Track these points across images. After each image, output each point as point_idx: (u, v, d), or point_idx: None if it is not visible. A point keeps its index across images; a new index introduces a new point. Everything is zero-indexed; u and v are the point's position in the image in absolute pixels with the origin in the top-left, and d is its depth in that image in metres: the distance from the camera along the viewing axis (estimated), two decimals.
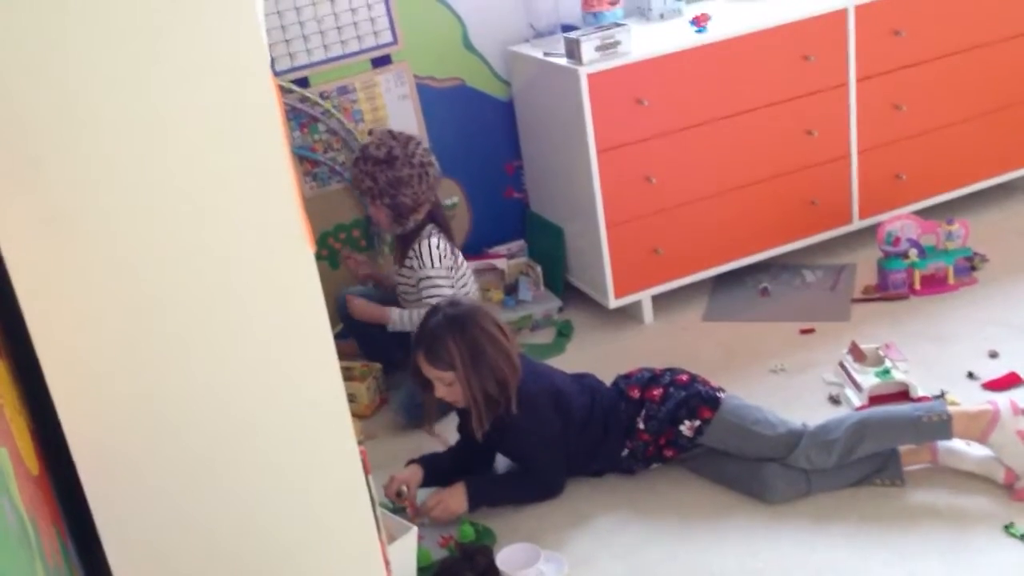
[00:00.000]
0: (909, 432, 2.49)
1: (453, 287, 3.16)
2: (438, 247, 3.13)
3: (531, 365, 2.73)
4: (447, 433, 2.95)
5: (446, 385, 2.56)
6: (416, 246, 3.14)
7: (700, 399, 2.61)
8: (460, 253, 3.27)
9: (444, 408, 2.85)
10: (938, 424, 2.47)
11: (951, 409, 2.49)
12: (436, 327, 2.54)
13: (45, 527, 1.35)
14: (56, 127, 1.30)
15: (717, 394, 2.64)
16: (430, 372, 2.57)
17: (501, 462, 2.84)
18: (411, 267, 3.17)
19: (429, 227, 3.17)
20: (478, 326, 2.53)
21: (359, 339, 3.40)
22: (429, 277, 3.11)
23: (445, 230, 3.23)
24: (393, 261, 3.35)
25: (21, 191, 1.31)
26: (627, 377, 2.75)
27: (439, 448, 2.87)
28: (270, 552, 1.55)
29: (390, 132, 3.20)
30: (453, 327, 2.52)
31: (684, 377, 2.68)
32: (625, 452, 2.68)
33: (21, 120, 1.29)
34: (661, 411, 2.62)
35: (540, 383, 2.65)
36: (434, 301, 3.07)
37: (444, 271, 3.14)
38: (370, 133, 3.26)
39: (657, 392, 2.65)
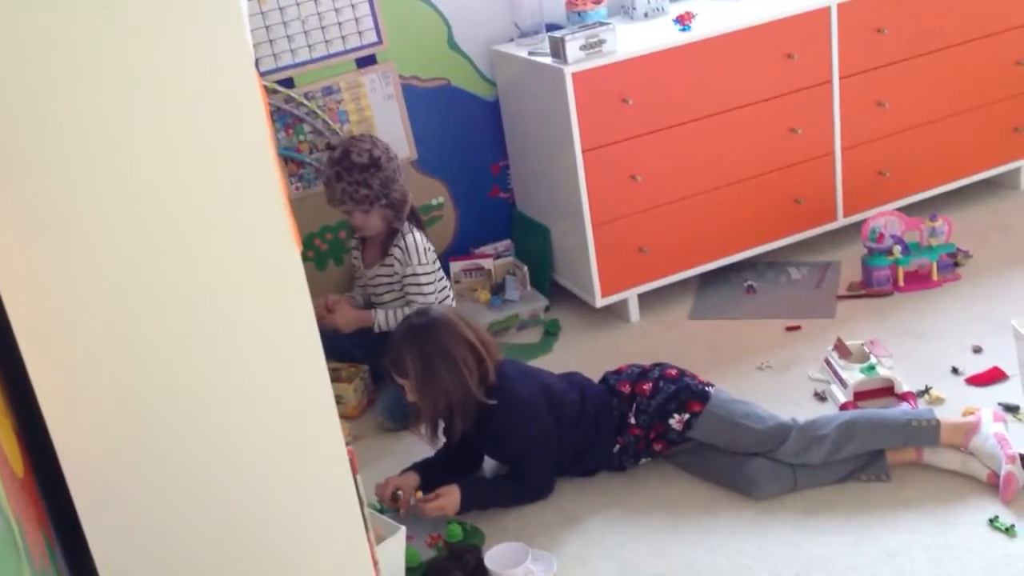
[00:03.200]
0: (898, 435, 2.52)
1: (434, 284, 3.16)
2: (423, 241, 3.15)
3: (519, 367, 2.74)
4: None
5: (411, 392, 2.59)
6: (402, 243, 3.14)
7: (689, 392, 2.62)
8: None
9: None
10: (927, 429, 2.50)
11: (940, 417, 2.52)
12: (398, 335, 2.60)
13: (31, 529, 1.35)
14: (41, 129, 1.30)
15: (706, 388, 2.65)
16: (395, 378, 2.61)
17: (490, 461, 2.84)
18: (392, 265, 3.17)
19: (407, 224, 3.18)
20: (435, 341, 2.55)
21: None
22: (415, 274, 3.12)
23: (419, 222, 3.25)
24: (363, 264, 3.32)
25: (4, 193, 1.30)
26: (616, 373, 2.76)
27: (428, 446, 2.87)
28: (258, 552, 1.55)
29: (353, 137, 3.18)
30: (411, 338, 2.56)
31: (673, 371, 2.69)
32: (616, 448, 2.68)
33: (5, 122, 1.28)
34: (651, 405, 2.63)
35: (530, 385, 2.65)
36: (419, 300, 3.08)
37: (431, 267, 3.15)
38: (329, 146, 3.22)
39: (647, 386, 2.66)
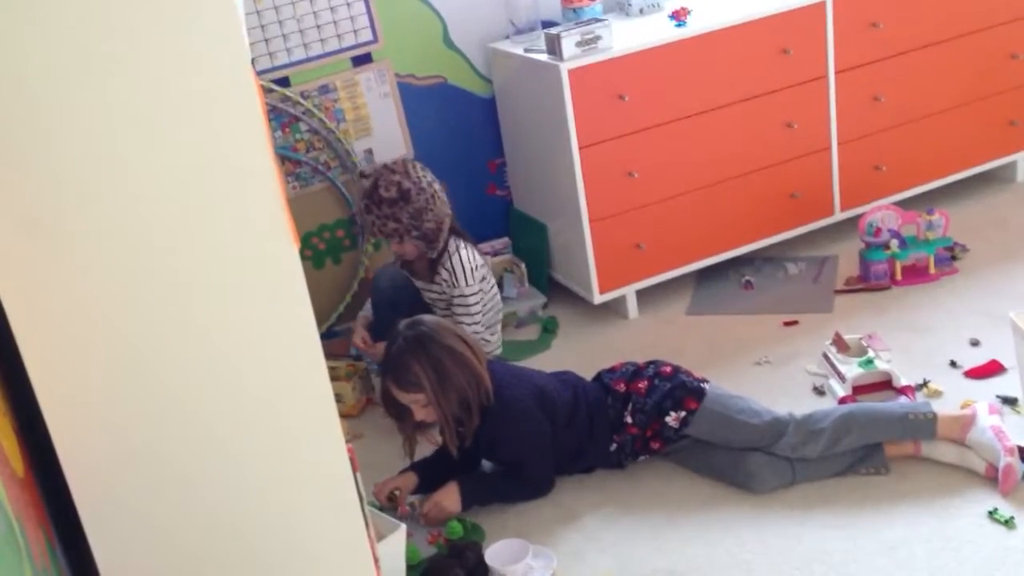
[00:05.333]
0: (895, 428, 2.52)
1: (483, 299, 3.17)
2: (469, 260, 3.14)
3: (508, 369, 2.74)
4: (434, 433, 2.95)
5: (423, 407, 2.58)
6: (448, 264, 3.14)
7: (685, 390, 2.63)
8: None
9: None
10: (923, 422, 2.50)
11: (937, 410, 2.53)
12: (399, 351, 2.55)
13: (32, 529, 1.35)
14: (36, 128, 1.30)
15: (702, 385, 2.65)
16: (403, 397, 2.58)
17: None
18: (441, 283, 3.18)
19: (452, 241, 3.16)
20: (438, 343, 2.54)
21: (381, 316, 3.29)
22: (463, 295, 3.13)
23: (464, 237, 3.22)
24: (415, 277, 3.31)
25: (1, 193, 1.30)
26: (611, 371, 2.76)
27: (429, 446, 2.87)
28: (259, 550, 1.55)
29: (386, 166, 3.15)
30: (415, 348, 2.53)
31: (668, 369, 2.69)
32: (613, 447, 2.68)
33: (1, 123, 1.28)
34: (647, 403, 2.64)
35: (522, 386, 2.65)
36: (466, 320, 3.08)
37: (477, 285, 3.15)
38: (363, 175, 3.20)
39: (642, 384, 2.67)
